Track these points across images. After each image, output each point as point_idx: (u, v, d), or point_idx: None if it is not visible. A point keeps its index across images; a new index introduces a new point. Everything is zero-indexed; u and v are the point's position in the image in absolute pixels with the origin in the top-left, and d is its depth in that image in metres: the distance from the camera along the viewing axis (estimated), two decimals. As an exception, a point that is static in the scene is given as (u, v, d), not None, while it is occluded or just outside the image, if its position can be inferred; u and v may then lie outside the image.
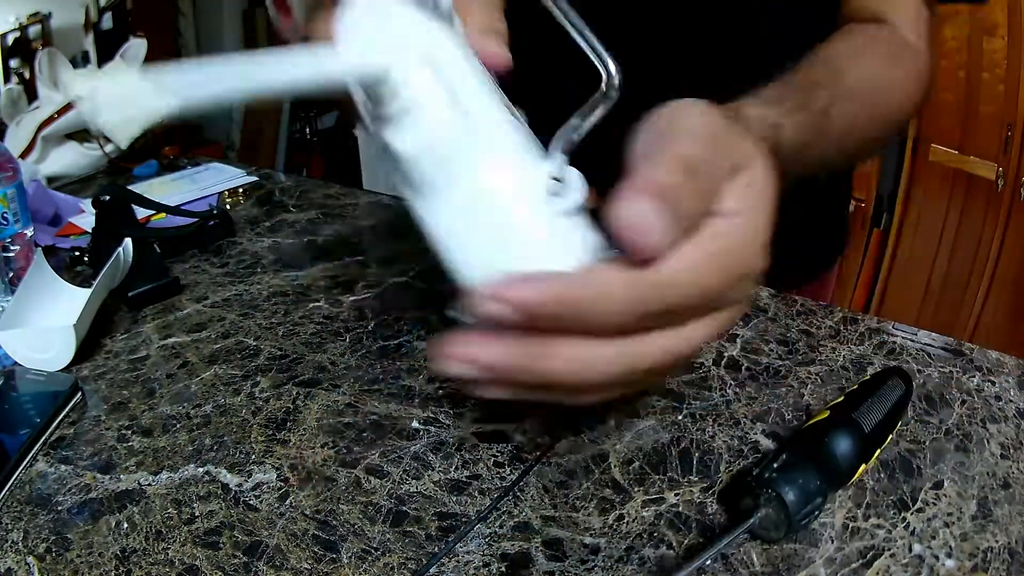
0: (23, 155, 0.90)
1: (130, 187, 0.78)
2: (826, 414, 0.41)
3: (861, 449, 0.39)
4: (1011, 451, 0.43)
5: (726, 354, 0.53)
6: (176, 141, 1.05)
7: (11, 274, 0.60)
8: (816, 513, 0.37)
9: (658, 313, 0.27)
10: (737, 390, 0.49)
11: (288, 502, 0.40)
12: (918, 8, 0.55)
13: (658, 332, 0.28)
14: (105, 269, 0.56)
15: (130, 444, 0.45)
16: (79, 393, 0.48)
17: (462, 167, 0.30)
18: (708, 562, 0.36)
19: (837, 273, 0.88)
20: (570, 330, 0.26)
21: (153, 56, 1.05)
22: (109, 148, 0.95)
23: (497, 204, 0.30)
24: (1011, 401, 0.47)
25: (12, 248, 0.60)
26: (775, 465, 0.37)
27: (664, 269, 0.26)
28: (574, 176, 0.30)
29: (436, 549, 0.37)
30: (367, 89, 0.30)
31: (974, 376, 0.50)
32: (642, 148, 0.28)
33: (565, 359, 0.27)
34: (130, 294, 0.60)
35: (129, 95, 0.25)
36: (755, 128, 0.38)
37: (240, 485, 0.41)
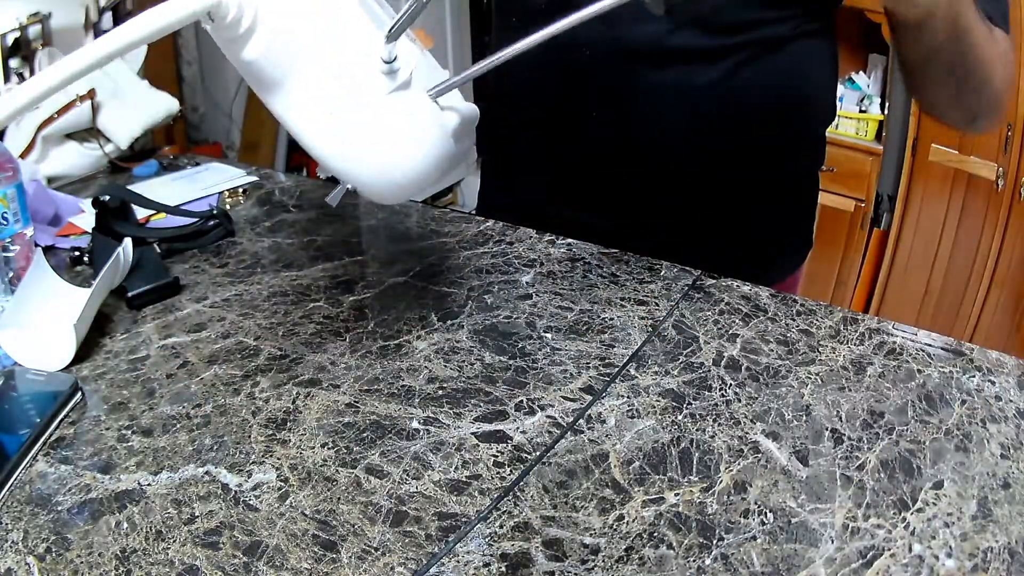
0: (23, 155, 0.90)
1: (130, 187, 0.78)
2: None
3: None
4: (1011, 451, 0.43)
5: (726, 354, 0.53)
6: (176, 141, 1.05)
7: (11, 274, 0.60)
8: None
9: None
10: (737, 390, 0.49)
11: (288, 502, 0.40)
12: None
13: None
14: (105, 269, 0.56)
15: (130, 444, 0.45)
16: (79, 393, 0.48)
17: (302, 63, 0.35)
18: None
19: (808, 272, 0.88)
20: None
21: (153, 56, 1.05)
22: (109, 148, 0.95)
23: (331, 92, 0.35)
24: (1011, 401, 0.47)
25: (12, 248, 0.60)
26: None
27: None
28: (405, 53, 0.35)
29: (436, 549, 0.37)
30: (215, 21, 0.34)
31: (974, 376, 0.50)
32: None
33: None
34: (130, 294, 0.60)
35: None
36: None
37: (240, 485, 0.41)
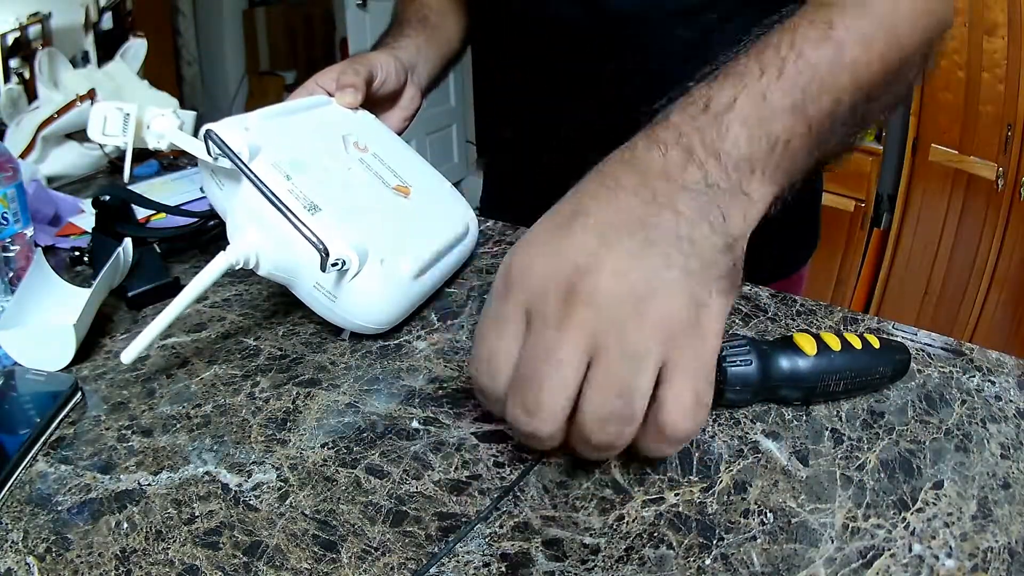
0: (23, 155, 0.90)
1: (130, 187, 0.78)
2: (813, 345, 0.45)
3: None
4: (1011, 451, 0.43)
5: (726, 354, 0.53)
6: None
7: (11, 274, 0.60)
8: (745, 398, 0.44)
9: None
10: (737, 390, 0.49)
11: (288, 502, 0.40)
12: None
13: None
14: (105, 269, 0.56)
15: (130, 444, 0.45)
16: (79, 393, 0.48)
17: (293, 280, 0.53)
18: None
19: (809, 270, 0.88)
20: None
21: (153, 56, 1.05)
22: (109, 148, 0.95)
23: (314, 287, 0.52)
24: (1011, 401, 0.47)
25: (12, 248, 0.60)
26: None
27: None
28: (350, 253, 0.50)
29: (436, 549, 0.37)
30: (236, 267, 0.52)
31: (974, 376, 0.50)
32: None
33: None
34: (130, 294, 0.60)
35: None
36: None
37: (240, 485, 0.41)
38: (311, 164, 0.55)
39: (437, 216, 0.62)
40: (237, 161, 0.50)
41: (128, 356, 0.48)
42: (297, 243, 0.49)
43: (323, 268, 0.49)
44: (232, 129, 0.52)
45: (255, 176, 0.50)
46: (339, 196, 0.54)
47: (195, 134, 0.56)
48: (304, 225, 0.49)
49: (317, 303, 0.53)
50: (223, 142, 0.50)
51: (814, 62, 0.40)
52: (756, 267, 0.66)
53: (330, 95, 0.67)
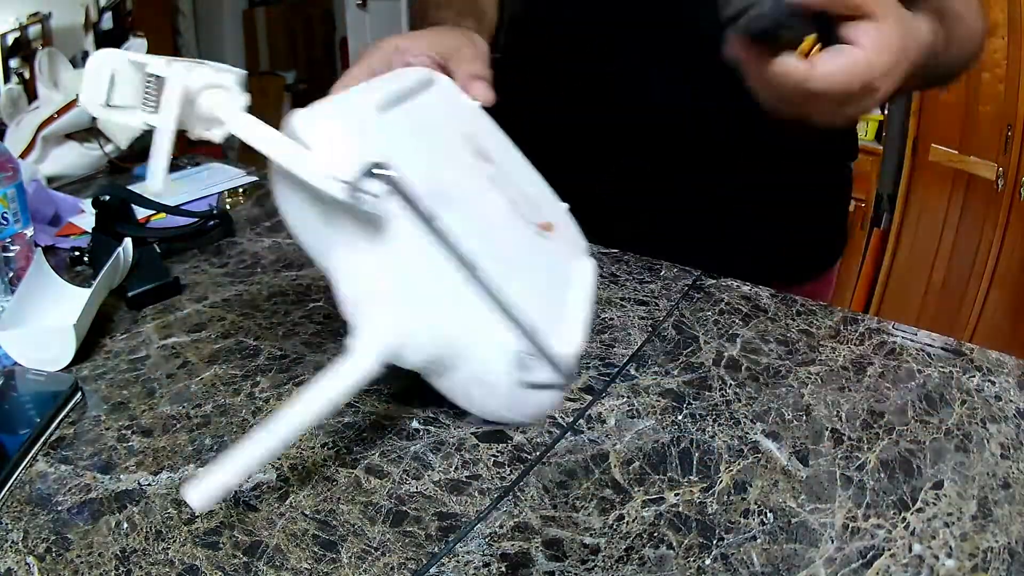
0: (23, 155, 0.90)
1: (130, 187, 0.78)
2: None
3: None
4: (1011, 451, 0.43)
5: (726, 354, 0.53)
6: (176, 141, 1.05)
7: (11, 274, 0.60)
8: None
9: None
10: (737, 390, 0.49)
11: (288, 502, 0.40)
12: None
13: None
14: (105, 269, 0.56)
15: (130, 444, 0.45)
16: (79, 393, 0.48)
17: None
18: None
19: (838, 272, 0.88)
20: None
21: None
22: (109, 148, 0.95)
23: (472, 363, 0.34)
24: (1011, 401, 0.47)
25: (12, 248, 0.60)
26: None
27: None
28: (548, 353, 0.33)
29: (436, 549, 0.37)
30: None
31: (974, 376, 0.50)
32: None
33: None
34: (130, 294, 0.60)
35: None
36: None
37: (240, 485, 0.41)
38: (453, 192, 0.37)
39: (571, 258, 0.45)
40: (427, 219, 0.32)
41: (200, 503, 0.33)
42: (469, 324, 0.34)
43: (524, 367, 0.33)
44: (346, 132, 0.34)
45: (449, 237, 0.32)
46: (489, 243, 0.36)
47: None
48: (516, 313, 0.32)
49: (475, 401, 0.36)
50: (399, 184, 0.31)
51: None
52: (787, 266, 0.66)
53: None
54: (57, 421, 0.46)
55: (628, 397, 0.48)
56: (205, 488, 0.33)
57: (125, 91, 0.39)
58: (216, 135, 0.38)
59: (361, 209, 0.32)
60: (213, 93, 0.37)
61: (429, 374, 0.36)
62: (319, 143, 0.32)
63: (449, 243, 0.32)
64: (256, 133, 0.34)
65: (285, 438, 0.34)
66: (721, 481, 0.41)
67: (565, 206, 0.48)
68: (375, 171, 0.31)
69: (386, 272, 0.34)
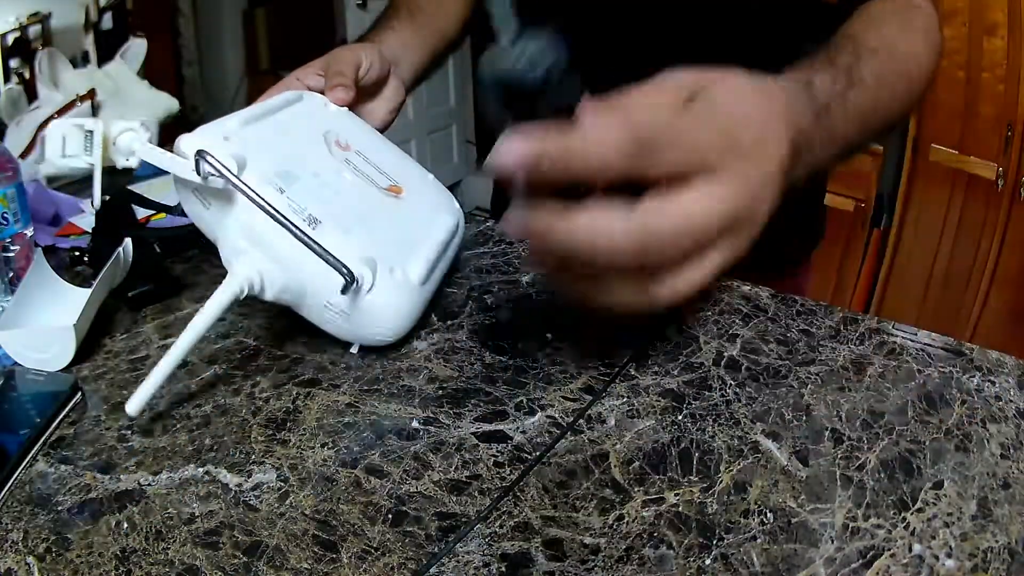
0: (23, 155, 0.90)
1: (130, 187, 0.78)
2: None
3: None
4: (1011, 451, 0.43)
5: (726, 354, 0.53)
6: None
7: (11, 274, 0.60)
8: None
9: (651, 149, 0.31)
10: (737, 390, 0.49)
11: (288, 502, 0.40)
12: None
13: (670, 198, 0.32)
14: (105, 269, 0.56)
15: (130, 444, 0.45)
16: (79, 393, 0.48)
17: (301, 299, 0.51)
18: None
19: (813, 266, 0.88)
20: (576, 174, 0.32)
21: (153, 56, 1.05)
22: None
23: (308, 302, 0.51)
24: (1011, 401, 0.47)
25: (12, 248, 0.60)
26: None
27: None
28: (363, 269, 0.48)
29: (436, 549, 0.37)
30: (243, 295, 0.49)
31: (974, 376, 0.50)
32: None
33: (583, 223, 0.31)
34: (130, 294, 0.60)
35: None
36: (790, 84, 0.41)
37: (240, 485, 0.41)
38: (300, 172, 0.52)
39: (430, 213, 0.61)
40: (236, 182, 0.47)
41: (134, 407, 0.45)
42: (306, 264, 0.47)
43: (345, 291, 0.47)
44: (213, 141, 0.49)
45: (259, 197, 0.47)
46: (335, 204, 0.52)
47: (160, 143, 0.53)
48: (319, 246, 0.46)
49: (329, 323, 0.51)
50: (218, 162, 0.47)
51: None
52: (765, 258, 0.66)
53: (312, 91, 0.65)
54: (57, 421, 0.46)
55: (628, 397, 0.48)
56: (137, 398, 0.45)
57: (72, 145, 0.60)
58: (133, 161, 0.55)
59: (213, 188, 0.48)
60: (126, 135, 0.56)
61: (291, 304, 0.51)
62: (191, 153, 0.47)
63: (265, 209, 0.46)
64: (155, 154, 0.51)
65: (185, 347, 0.46)
66: (721, 481, 0.41)
67: (431, 177, 0.66)
68: (202, 157, 0.46)
69: (238, 228, 0.49)
